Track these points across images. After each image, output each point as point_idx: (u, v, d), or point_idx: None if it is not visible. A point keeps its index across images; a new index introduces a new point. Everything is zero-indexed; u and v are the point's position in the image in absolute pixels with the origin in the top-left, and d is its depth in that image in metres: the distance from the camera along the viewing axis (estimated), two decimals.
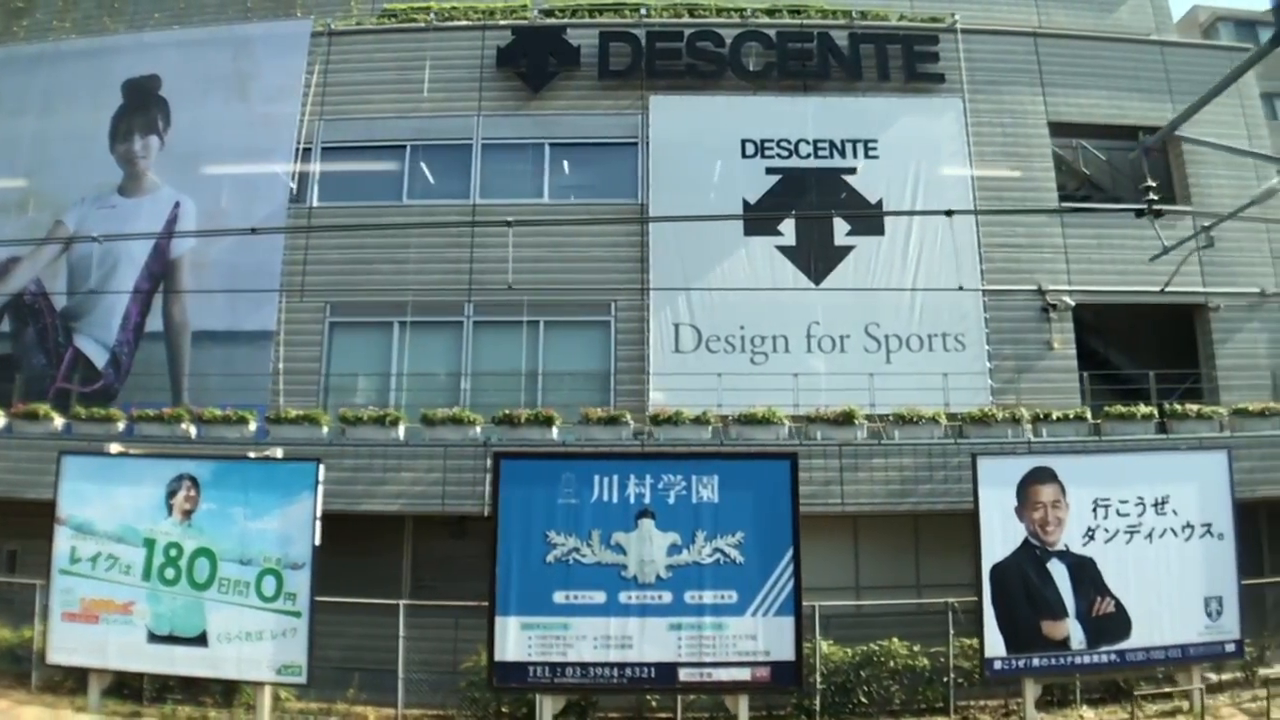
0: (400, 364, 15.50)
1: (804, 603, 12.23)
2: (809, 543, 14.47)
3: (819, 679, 11.86)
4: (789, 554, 10.77)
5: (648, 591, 10.50)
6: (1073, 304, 16.02)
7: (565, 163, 16.23)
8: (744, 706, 10.58)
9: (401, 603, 12.29)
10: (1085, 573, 11.94)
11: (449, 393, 15.36)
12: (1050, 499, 12.10)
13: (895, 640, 12.31)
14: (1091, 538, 12.10)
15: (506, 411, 13.99)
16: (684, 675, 10.43)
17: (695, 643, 10.38)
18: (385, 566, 14.59)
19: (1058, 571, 11.92)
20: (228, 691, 11.49)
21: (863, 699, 11.86)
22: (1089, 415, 14.62)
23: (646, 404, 14.88)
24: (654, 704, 11.87)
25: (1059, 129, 17.13)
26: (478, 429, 14.05)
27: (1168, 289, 16.47)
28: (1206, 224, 10.42)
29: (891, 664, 12.11)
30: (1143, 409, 14.68)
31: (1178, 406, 14.88)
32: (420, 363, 15.54)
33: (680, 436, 13.92)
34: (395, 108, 16.39)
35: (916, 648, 12.35)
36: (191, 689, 11.58)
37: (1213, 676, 13.36)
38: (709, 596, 10.52)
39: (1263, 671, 13.48)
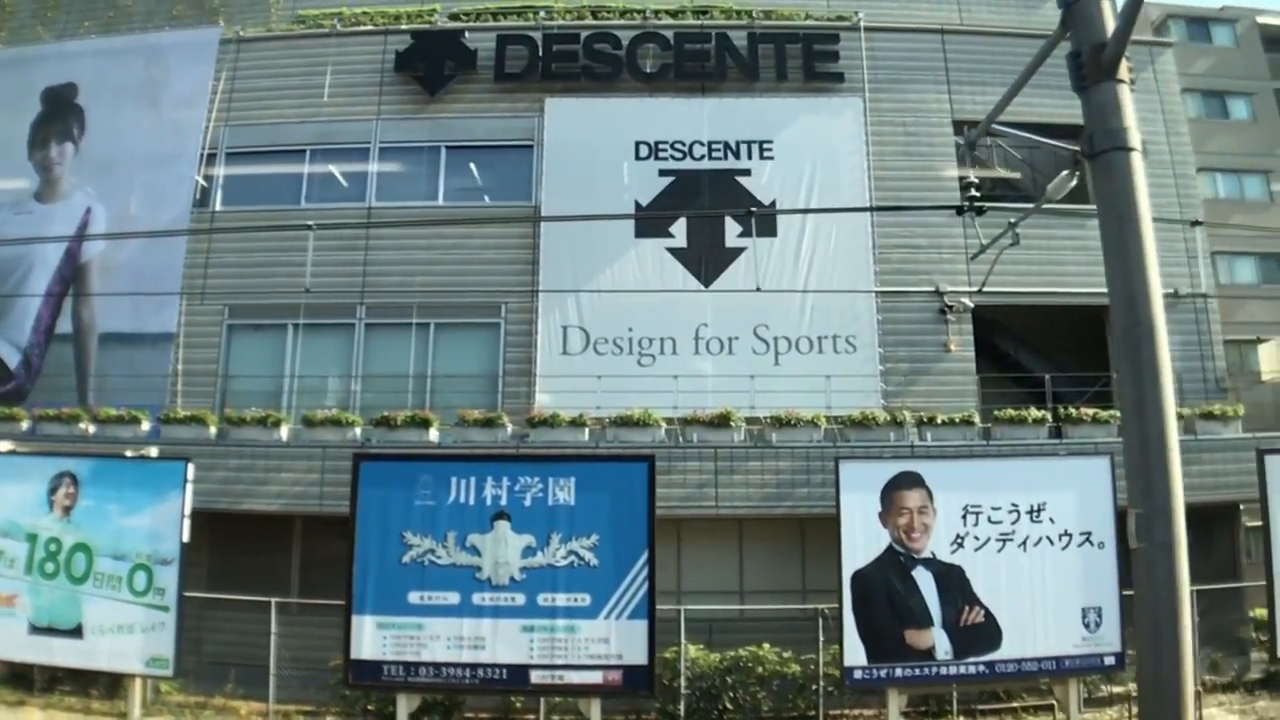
0: (293, 366, 15.29)
1: (672, 606, 12.03)
2: (692, 546, 14.22)
3: (684, 684, 11.50)
4: (644, 557, 10.43)
5: (501, 593, 10.31)
6: (971, 305, 15.36)
7: (460, 166, 15.91)
8: (596, 710, 10.27)
9: (273, 600, 12.18)
10: (953, 581, 11.39)
11: (341, 394, 15.15)
12: (916, 505, 11.57)
13: (765, 646, 11.93)
14: (960, 545, 11.54)
15: (384, 414, 13.76)
16: (536, 677, 10.19)
17: (548, 645, 10.15)
18: (275, 565, 14.44)
19: (923, 579, 11.38)
20: (112, 684, 11.50)
21: (729, 705, 11.48)
22: (977, 419, 14.01)
23: (533, 406, 14.53)
24: (519, 705, 11.65)
25: (965, 128, 16.44)
26: (357, 430, 13.87)
27: (1077, 290, 15.88)
28: (1013, 219, 9.81)
29: (760, 670, 11.73)
30: (1034, 413, 14.03)
31: (1072, 411, 14.19)
32: (313, 365, 15.33)
33: (557, 439, 13.57)
34: (297, 113, 16.21)
35: (787, 654, 11.96)
36: (80, 680, 11.63)
37: (1116, 689, 12.74)
38: (562, 599, 10.28)
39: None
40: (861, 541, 11.34)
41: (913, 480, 11.60)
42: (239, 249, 15.70)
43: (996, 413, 14.07)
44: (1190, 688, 5.96)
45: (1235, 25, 24.98)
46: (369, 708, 11.40)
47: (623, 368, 14.74)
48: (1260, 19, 25.19)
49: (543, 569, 10.42)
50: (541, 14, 16.25)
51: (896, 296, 15.22)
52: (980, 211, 9.21)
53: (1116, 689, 12.72)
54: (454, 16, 16.83)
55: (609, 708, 11.49)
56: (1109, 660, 11.69)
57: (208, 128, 16.20)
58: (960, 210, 9.17)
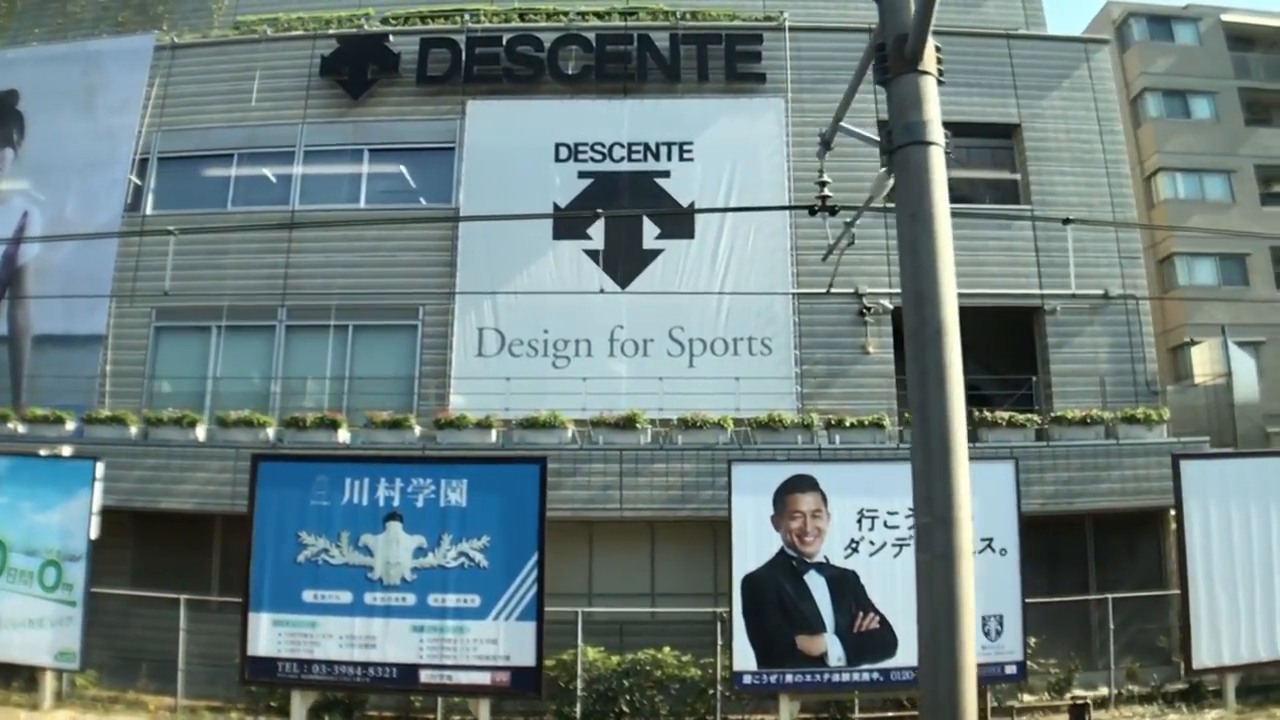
0: (215, 367, 15.17)
1: (570, 608, 11.77)
2: (604, 548, 13.91)
3: (581, 686, 11.26)
4: (533, 559, 10.34)
5: (393, 593, 10.29)
6: (890, 307, 14.90)
7: (383, 169, 15.70)
8: (485, 711, 10.17)
9: (182, 597, 12.11)
10: (847, 586, 11.10)
11: (263, 395, 15.00)
12: (810, 508, 11.29)
13: (665, 650, 11.64)
14: (855, 550, 11.23)
15: (295, 415, 13.65)
16: (425, 677, 10.18)
17: (437, 645, 10.13)
18: (197, 562, 14.36)
19: (816, 584, 11.12)
20: (32, 676, 11.49)
21: (625, 709, 11.22)
22: (887, 422, 13.57)
23: (448, 408, 14.29)
24: (418, 704, 11.46)
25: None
26: (270, 431, 13.74)
27: (1000, 291, 15.40)
28: (849, 220, 9.41)
29: (658, 674, 11.42)
30: None
31: (986, 414, 13.71)
32: (236, 366, 15.20)
33: (463, 440, 13.37)
34: (227, 117, 16.10)
35: (686, 658, 11.64)
36: (3, 673, 11.59)
37: (1029, 698, 12.30)
38: (452, 599, 10.24)
39: (1073, 694, 12.37)
40: (753, 545, 11.09)
41: (807, 483, 11.32)
42: (166, 251, 15.61)
43: (907, 415, 13.61)
44: (971, 708, 5.55)
45: (1199, 23, 24.22)
46: (271, 704, 11.28)
47: (538, 369, 14.48)
48: (1225, 17, 24.41)
49: (433, 570, 10.39)
50: (467, 17, 15.99)
51: (815, 298, 14.80)
52: (833, 211, 8.81)
53: (1029, 699, 12.28)
54: (385, 20, 16.64)
55: (509, 709, 11.37)
56: (1010, 670, 11.35)
57: (140, 133, 16.13)
58: (812, 211, 8.79)
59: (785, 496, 11.20)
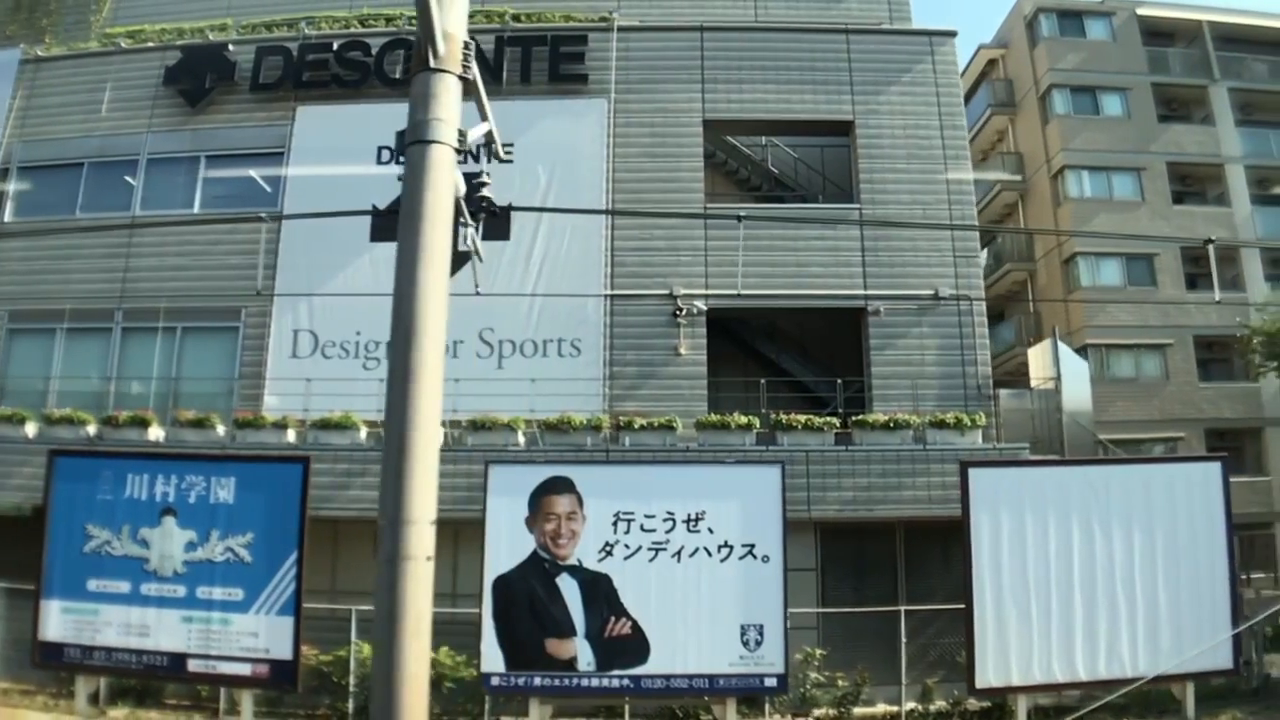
0: (58, 367, 15.08)
1: (345, 606, 11.46)
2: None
3: (353, 683, 10.95)
4: (293, 556, 10.20)
5: (166, 585, 10.32)
6: (704, 309, 14.11)
7: (218, 174, 15.44)
8: (248, 702, 10.11)
9: (1, 585, 11.96)
10: (599, 590, 10.47)
11: (101, 395, 14.86)
12: (565, 510, 10.68)
13: (442, 650, 11.15)
14: (609, 554, 10.57)
15: (110, 413, 13.50)
16: (192, 666, 10.17)
17: (204, 636, 10.13)
18: (24, 554, 14.28)
19: (567, 587, 10.51)
20: None
21: None
22: (678, 424, 12.80)
23: (263, 408, 13.96)
24: (204, 694, 11.37)
25: (723, 126, 15.23)
26: (90, 428, 13.57)
27: (825, 292, 14.49)
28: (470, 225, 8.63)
29: (430, 673, 10.92)
30: (738, 418, 12.75)
31: (782, 417, 12.85)
32: (76, 366, 15.08)
33: (261, 440, 13.07)
34: (82, 127, 16.03)
35: (462, 658, 11.12)
36: None
37: (818, 712, 11.44)
38: (219, 593, 10.22)
39: (859, 711, 11.50)
40: (506, 546, 10.57)
41: (564, 485, 10.70)
42: (22, 255, 15.65)
43: (699, 419, 12.84)
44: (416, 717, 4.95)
45: (1112, 18, 22.68)
46: (72, 689, 11.05)
47: (349, 371, 14.06)
48: (1140, 10, 22.82)
49: (202, 563, 10.35)
50: (305, 25, 15.66)
51: (629, 299, 14.09)
52: (498, 214, 8.13)
53: (817, 712, 11.42)
54: (241, 30, 16.40)
55: (289, 704, 11.09)
56: (770, 681, 10.52)
57: (2, 143, 16.15)
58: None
59: (541, 498, 10.61)
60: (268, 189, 15.11)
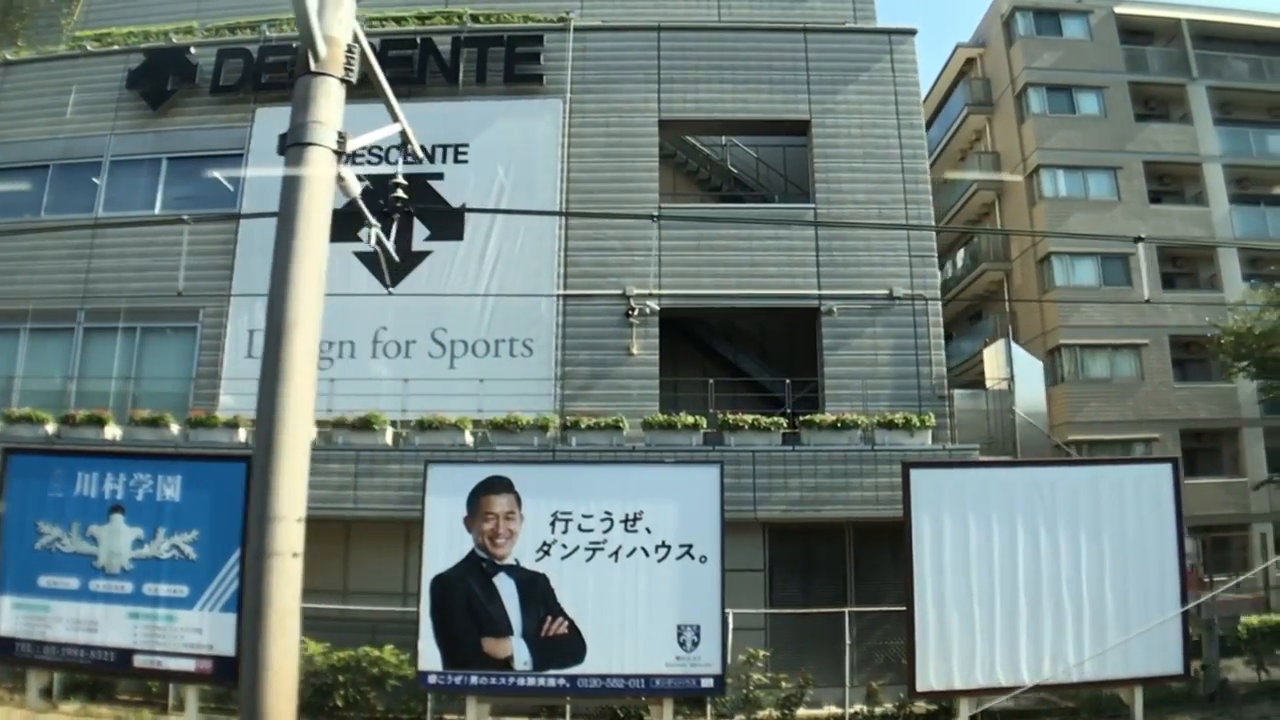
0: (21, 367, 15.13)
1: (308, 605, 11.53)
2: (361, 547, 13.36)
3: (298, 679, 10.93)
4: (237, 554, 10.08)
5: (113, 581, 10.34)
6: (657, 309, 13.99)
7: (179, 176, 15.47)
8: (192, 697, 10.13)
9: None
10: (536, 590, 10.39)
11: (65, 395, 14.91)
12: (503, 510, 10.60)
13: (387, 648, 11.16)
14: (547, 553, 10.48)
15: (68, 413, 13.53)
16: (139, 661, 10.18)
17: (150, 632, 10.14)
18: None
19: (505, 587, 10.44)
20: None
21: (339, 702, 10.91)
22: (625, 423, 12.68)
23: (219, 407, 13.96)
24: (155, 689, 11.38)
25: (679, 126, 15.11)
26: (49, 427, 13.61)
27: (778, 292, 14.34)
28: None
29: (374, 671, 10.99)
30: (685, 419, 12.63)
31: (729, 417, 12.72)
32: (40, 366, 15.14)
33: (213, 439, 13.11)
34: (47, 130, 16.09)
35: (406, 656, 11.09)
36: None
37: (760, 714, 11.31)
38: (164, 589, 10.26)
39: (803, 713, 11.35)
40: (445, 546, 10.50)
41: (502, 485, 10.63)
42: None
43: (646, 419, 12.72)
44: (284, 713, 4.94)
45: (1089, 17, 22.36)
46: (25, 684, 11.28)
47: None
48: (1119, 9, 22.49)
49: (149, 560, 10.38)
50: (266, 28, 15.65)
51: (581, 299, 13.99)
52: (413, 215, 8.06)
53: (760, 714, 11.28)
54: (208, 33, 16.42)
55: (237, 699, 11.02)
56: (706, 682, 10.38)
57: None
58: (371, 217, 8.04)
59: (480, 498, 10.53)
60: (230, 189, 15.13)
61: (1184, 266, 21.97)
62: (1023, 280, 22.13)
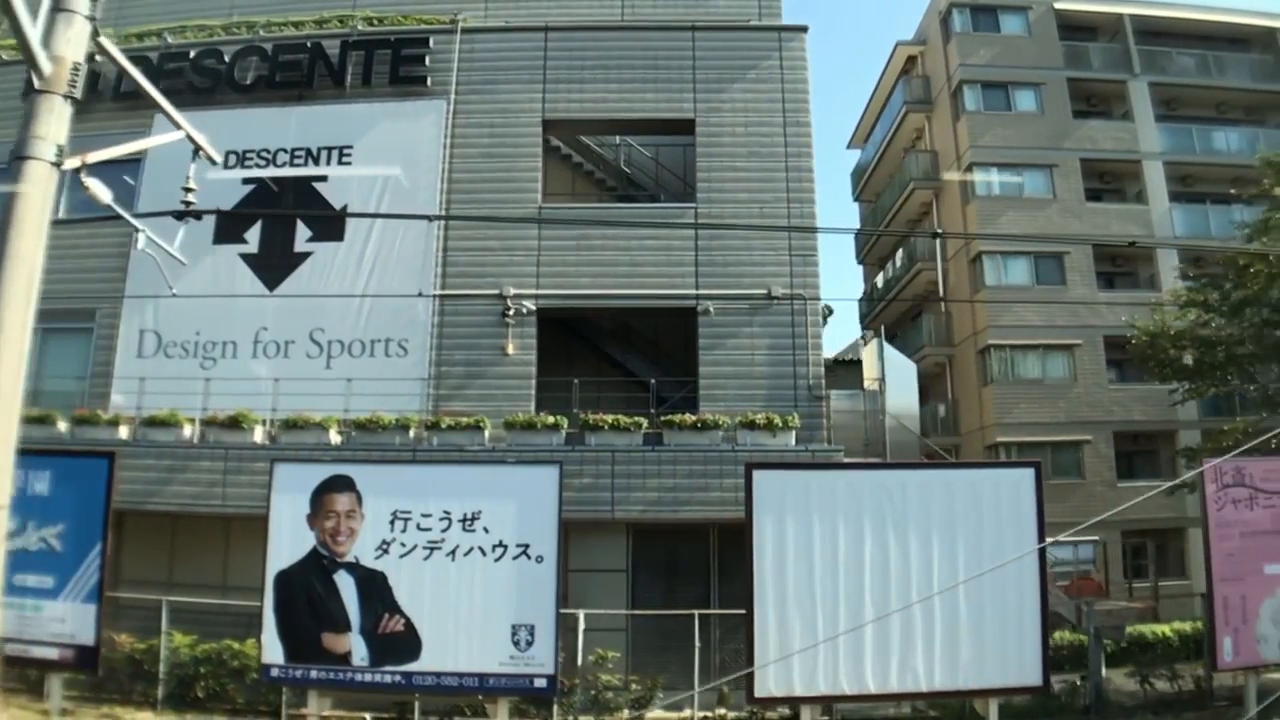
0: None
1: (158, 596, 11.70)
2: (243, 544, 13.33)
3: (163, 670, 11.21)
4: (97, 548, 10.45)
5: None
6: (534, 308, 13.78)
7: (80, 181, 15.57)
8: (56, 686, 10.49)
9: None
10: (374, 588, 10.32)
11: None
12: (345, 509, 10.56)
13: (249, 642, 11.27)
14: (386, 552, 10.40)
15: None
16: (10, 650, 10.28)
17: (19, 621, 10.26)
18: None
19: (344, 584, 10.39)
20: None
21: (200, 694, 11.12)
22: (487, 424, 12.50)
23: (110, 406, 14.06)
24: (33, 678, 11.27)
25: (564, 126, 14.89)
26: None
27: (656, 292, 14.05)
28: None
29: (235, 664, 11.08)
30: (545, 418, 12.44)
31: (589, 417, 12.48)
32: None
33: (97, 436, 13.30)
34: None
35: None
36: None
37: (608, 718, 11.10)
38: (33, 580, 10.41)
39: (652, 715, 11.11)
40: (288, 542, 10.45)
41: (344, 484, 10.57)
42: None
43: (508, 419, 12.53)
44: None
45: (1028, 13, 21.66)
46: None
47: (188, 370, 14.07)
48: (1058, 4, 21.76)
49: (20, 552, 10.39)
50: (166, 34, 15.75)
51: (458, 300, 13.83)
52: (198, 217, 8.01)
53: (614, 716, 11.04)
54: (138, 36, 16.54)
55: (109, 689, 11.27)
56: (540, 682, 10.18)
57: None
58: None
59: (322, 496, 10.50)
60: (125, 193, 15.22)
61: (1124, 266, 21.18)
62: (956, 280, 21.51)
